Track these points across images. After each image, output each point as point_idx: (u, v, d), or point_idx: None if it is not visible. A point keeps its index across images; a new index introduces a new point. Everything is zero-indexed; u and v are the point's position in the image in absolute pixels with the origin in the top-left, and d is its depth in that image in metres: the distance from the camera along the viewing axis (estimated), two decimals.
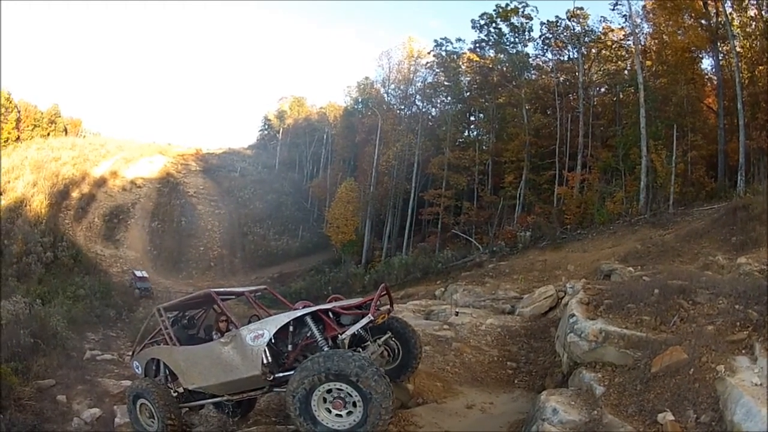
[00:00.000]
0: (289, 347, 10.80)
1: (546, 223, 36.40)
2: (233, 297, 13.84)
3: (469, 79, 55.21)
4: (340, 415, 9.41)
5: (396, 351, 12.30)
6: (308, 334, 10.73)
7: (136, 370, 13.18)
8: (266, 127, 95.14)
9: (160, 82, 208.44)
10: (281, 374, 10.55)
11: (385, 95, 63.15)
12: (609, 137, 42.53)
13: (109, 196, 60.80)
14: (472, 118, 58.20)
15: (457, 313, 18.64)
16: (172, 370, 12.01)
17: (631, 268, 19.92)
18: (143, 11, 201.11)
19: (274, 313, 12.10)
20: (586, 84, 45.44)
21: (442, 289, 28.00)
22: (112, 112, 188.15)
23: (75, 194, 56.88)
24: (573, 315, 12.26)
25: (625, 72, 45.01)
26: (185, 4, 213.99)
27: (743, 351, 9.19)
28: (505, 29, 49.14)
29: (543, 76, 50.72)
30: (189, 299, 13.05)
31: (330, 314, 10.75)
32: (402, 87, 59.02)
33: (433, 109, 59.47)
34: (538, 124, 46.42)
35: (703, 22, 38.05)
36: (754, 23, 36.67)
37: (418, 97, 58.04)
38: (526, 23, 48.59)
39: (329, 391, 9.34)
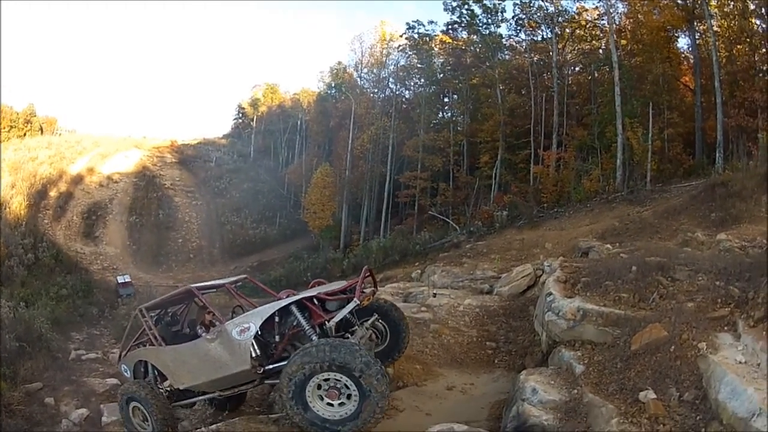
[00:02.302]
0: (277, 338, 10.67)
1: (523, 202, 36.47)
2: (214, 290, 13.67)
3: (442, 60, 55.10)
4: (332, 405, 9.34)
5: (384, 333, 12.20)
6: (295, 323, 10.64)
7: (125, 374, 13.02)
8: (240, 115, 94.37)
9: (132, 74, 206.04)
10: (271, 366, 10.45)
11: (358, 79, 63.27)
12: (584, 116, 42.45)
13: (86, 193, 60.03)
14: (446, 100, 58.16)
15: (435, 295, 18.61)
16: (161, 370, 11.81)
17: (609, 245, 19.90)
18: (109, 4, 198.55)
19: (257, 303, 12.09)
20: (561, 63, 45.40)
21: (420, 271, 28.00)
22: (87, 108, 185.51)
23: (53, 193, 56.04)
24: (550, 293, 12.25)
25: (600, 51, 44.94)
26: None
27: (725, 328, 9.11)
28: (478, 10, 48.72)
29: (517, 57, 50.47)
30: (170, 297, 12.88)
31: (315, 301, 10.73)
32: (375, 71, 59.00)
33: (407, 92, 59.25)
34: (513, 104, 46.19)
35: (679, 1, 37.94)
36: (732, 3, 36.59)
37: (391, 80, 57.82)
38: (499, 4, 48.18)
39: (326, 379, 9.25)
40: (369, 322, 11.53)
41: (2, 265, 37.74)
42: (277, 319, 10.58)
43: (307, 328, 10.32)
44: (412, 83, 58.34)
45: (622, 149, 34.96)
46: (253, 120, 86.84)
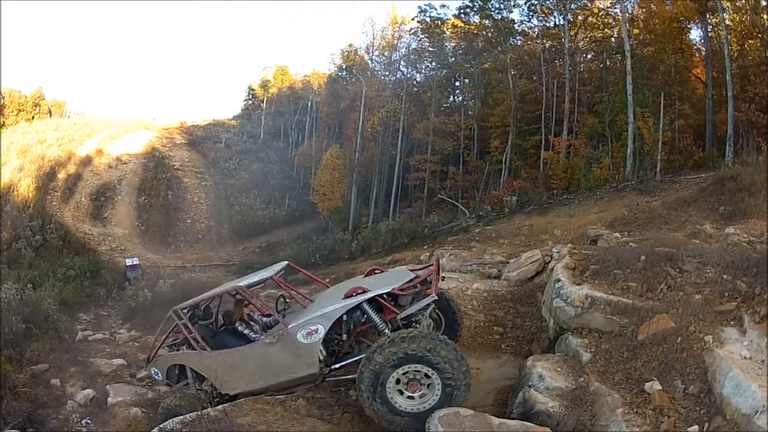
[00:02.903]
0: (344, 336, 10.66)
1: (532, 188, 36.47)
2: (261, 284, 12.98)
3: (453, 44, 54.78)
4: (401, 392, 9.42)
5: (439, 323, 12.19)
6: (363, 320, 10.53)
7: (156, 377, 12.79)
8: (250, 96, 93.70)
9: (142, 57, 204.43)
10: (338, 365, 10.44)
11: (369, 61, 62.67)
12: (595, 103, 42.15)
13: (95, 175, 60.01)
14: (457, 84, 57.69)
15: (443, 278, 18.56)
16: (205, 376, 11.48)
17: (617, 234, 19.97)
18: None
19: (301, 291, 12.24)
20: (573, 50, 45.08)
21: (428, 254, 27.93)
22: (96, 91, 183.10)
23: (61, 175, 56.09)
24: (559, 280, 12.41)
25: (612, 39, 44.60)
26: None
27: (731, 322, 9.27)
28: None
29: (528, 42, 49.97)
30: (210, 297, 12.46)
31: (384, 296, 10.55)
32: (386, 53, 58.44)
33: (418, 75, 58.66)
34: (524, 89, 45.92)
35: None
36: None
37: (402, 63, 57.30)
38: None
39: (406, 372, 9.31)
40: (428, 312, 11.14)
41: (10, 248, 37.82)
42: (344, 317, 10.40)
43: (382, 328, 10.21)
44: (424, 66, 57.74)
45: (632, 138, 34.84)
46: (263, 101, 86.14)
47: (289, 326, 10.34)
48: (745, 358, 8.16)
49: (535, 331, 14.01)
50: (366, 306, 10.32)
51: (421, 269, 12.81)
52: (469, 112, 51.02)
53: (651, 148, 33.80)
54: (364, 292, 10.53)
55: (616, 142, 37.46)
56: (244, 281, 12.08)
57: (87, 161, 61.82)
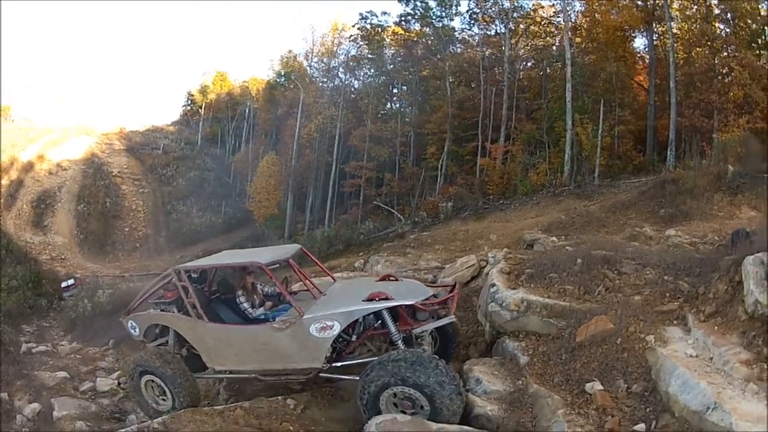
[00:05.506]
0: (353, 337, 10.79)
1: (468, 193, 36.53)
2: (278, 264, 12.57)
3: (393, 52, 55.27)
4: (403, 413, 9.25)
5: (435, 340, 11.77)
6: (376, 324, 10.69)
7: (132, 330, 12.15)
8: (189, 102, 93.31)
9: (84, 59, 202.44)
10: (339, 364, 10.52)
11: (308, 68, 62.78)
12: (534, 110, 42.50)
13: (36, 181, 59.71)
14: (394, 91, 58.13)
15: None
16: (193, 345, 11.06)
17: (554, 238, 19.92)
18: None
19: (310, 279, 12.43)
20: (513, 58, 45.49)
21: (363, 261, 27.79)
22: (38, 94, 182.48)
23: (4, 181, 55.68)
24: (494, 284, 12.24)
25: (554, 48, 45.03)
26: None
27: (674, 322, 9.31)
28: (432, 3, 48.87)
29: (468, 50, 50.57)
30: (224, 266, 12.22)
31: (405, 307, 10.47)
32: (325, 60, 58.63)
33: (356, 82, 59.19)
34: (462, 96, 46.13)
35: (639, 3, 38.22)
36: (695, 7, 36.92)
37: (341, 69, 57.82)
38: None
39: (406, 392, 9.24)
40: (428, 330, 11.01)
41: None
42: (360, 319, 10.53)
43: (397, 338, 10.13)
44: (362, 73, 58.39)
45: (570, 144, 35.13)
46: (201, 107, 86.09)
47: (305, 316, 10.10)
48: (690, 356, 8.12)
49: (472, 335, 13.66)
50: (386, 313, 10.15)
51: (437, 286, 13.10)
52: (406, 119, 51.22)
53: (589, 154, 34.11)
54: (387, 298, 10.30)
55: (553, 148, 37.84)
56: (263, 258, 11.45)
57: (29, 167, 61.44)
